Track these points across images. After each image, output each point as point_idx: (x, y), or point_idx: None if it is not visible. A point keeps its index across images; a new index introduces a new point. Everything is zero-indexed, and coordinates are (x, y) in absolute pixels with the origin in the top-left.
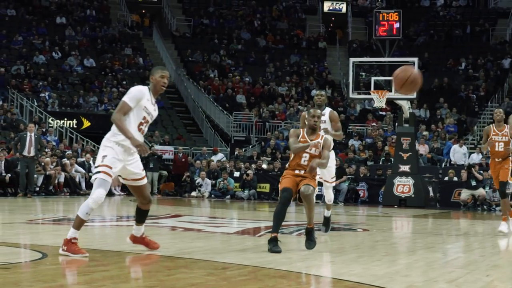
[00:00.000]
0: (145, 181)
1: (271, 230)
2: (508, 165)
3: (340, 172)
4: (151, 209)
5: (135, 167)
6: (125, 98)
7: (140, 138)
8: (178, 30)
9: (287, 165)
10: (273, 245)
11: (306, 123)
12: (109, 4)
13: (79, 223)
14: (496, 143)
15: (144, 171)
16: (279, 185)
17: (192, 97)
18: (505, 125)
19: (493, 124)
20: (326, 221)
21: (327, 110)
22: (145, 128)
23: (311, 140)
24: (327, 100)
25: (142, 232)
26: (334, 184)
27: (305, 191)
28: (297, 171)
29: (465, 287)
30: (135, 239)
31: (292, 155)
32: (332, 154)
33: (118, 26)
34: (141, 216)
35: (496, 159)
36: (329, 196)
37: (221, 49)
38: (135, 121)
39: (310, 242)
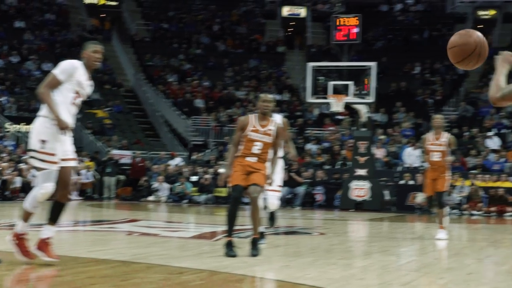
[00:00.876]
0: (73, 163)
1: (226, 234)
2: (446, 174)
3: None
4: (109, 214)
5: (67, 144)
6: (55, 71)
7: (72, 114)
8: (138, 34)
9: (239, 152)
10: (229, 250)
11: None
12: (68, 9)
13: (27, 216)
14: (432, 153)
15: (75, 153)
16: (229, 181)
17: (151, 102)
18: (444, 133)
19: (431, 132)
20: (271, 216)
21: (277, 117)
22: (78, 103)
23: (263, 127)
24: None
25: (48, 236)
26: (279, 194)
27: (251, 192)
28: (247, 158)
29: None
30: (40, 244)
31: (244, 143)
32: (280, 162)
33: (77, 30)
34: (56, 212)
35: (433, 167)
36: (273, 206)
37: (180, 53)
38: (68, 96)
39: (253, 252)
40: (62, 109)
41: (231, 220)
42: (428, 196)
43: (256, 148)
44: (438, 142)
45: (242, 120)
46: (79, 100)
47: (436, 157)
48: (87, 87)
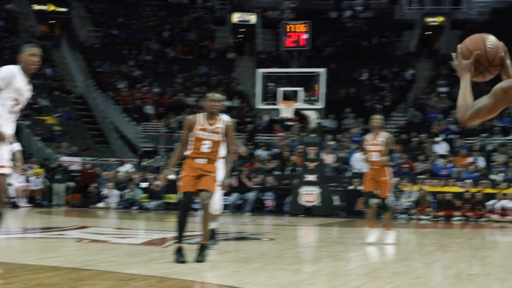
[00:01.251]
0: (7, 170)
1: (176, 240)
2: (387, 177)
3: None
4: (58, 221)
5: (3, 151)
6: None
7: (11, 121)
8: (87, 40)
9: (189, 153)
10: (179, 256)
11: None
12: (17, 15)
13: None
14: (371, 153)
15: (11, 161)
16: (178, 186)
17: (101, 108)
18: (382, 133)
19: (370, 132)
20: (211, 233)
21: (224, 118)
22: (17, 110)
23: (210, 126)
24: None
25: None
26: (221, 191)
27: (203, 199)
28: (197, 160)
29: None
30: None
31: (192, 143)
32: (220, 162)
33: (26, 37)
34: None
35: (373, 167)
36: (215, 204)
37: (130, 60)
38: (7, 104)
39: (199, 258)
40: (4, 114)
41: (181, 226)
42: (367, 192)
43: (205, 147)
44: (376, 141)
45: (190, 119)
46: (18, 108)
47: (374, 156)
48: (26, 92)
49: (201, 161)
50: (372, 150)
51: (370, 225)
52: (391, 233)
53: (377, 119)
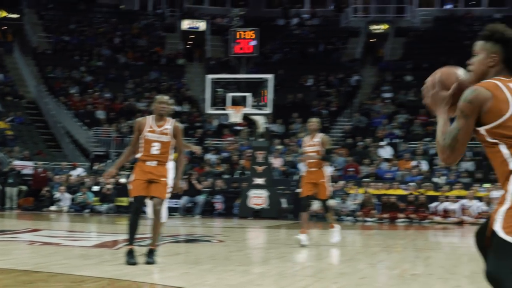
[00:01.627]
0: None
1: (128, 242)
2: (325, 179)
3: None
4: (11, 224)
5: None
6: None
7: None
8: (39, 47)
9: (138, 156)
10: (130, 257)
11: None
12: None
13: None
14: (308, 154)
15: None
16: (129, 190)
17: (53, 113)
18: (318, 134)
19: (308, 135)
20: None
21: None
22: None
23: (159, 127)
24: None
25: None
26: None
27: (154, 204)
28: (148, 163)
29: None
30: None
31: (142, 146)
32: (171, 164)
33: None
34: None
35: (311, 169)
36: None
37: (82, 65)
38: None
39: (149, 260)
40: None
41: (132, 229)
42: (304, 197)
43: (155, 149)
44: (312, 142)
45: (139, 121)
46: None
47: (312, 157)
48: None
49: (151, 163)
50: (309, 151)
51: (301, 231)
52: (336, 230)
53: (313, 121)
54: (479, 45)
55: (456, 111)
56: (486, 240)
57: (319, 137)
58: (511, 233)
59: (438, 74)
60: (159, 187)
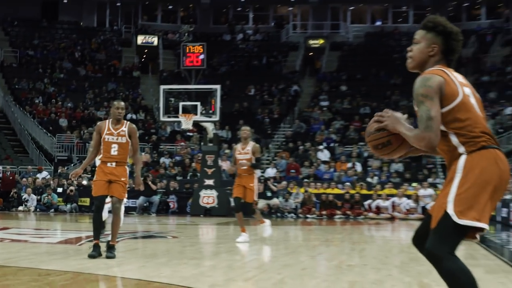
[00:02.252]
0: None
1: (93, 238)
2: (253, 184)
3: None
4: None
5: None
6: None
7: None
8: (6, 60)
9: (99, 158)
10: (92, 251)
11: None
12: None
13: None
14: (240, 161)
15: None
16: (92, 190)
17: (19, 121)
18: (250, 142)
19: (240, 143)
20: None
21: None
22: None
23: (116, 130)
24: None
25: None
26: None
27: (113, 203)
28: (108, 164)
29: (260, 284)
30: None
31: (102, 148)
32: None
33: None
34: None
35: (242, 174)
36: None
37: (45, 77)
38: None
39: (109, 254)
40: None
41: (96, 225)
42: (235, 198)
43: (113, 150)
44: (244, 151)
45: (99, 124)
46: None
47: (241, 164)
48: None
49: (111, 164)
50: (241, 159)
51: (241, 229)
52: (266, 224)
53: (245, 130)
54: (420, 34)
55: (417, 101)
56: (432, 221)
57: (251, 145)
58: (463, 217)
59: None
60: (118, 187)
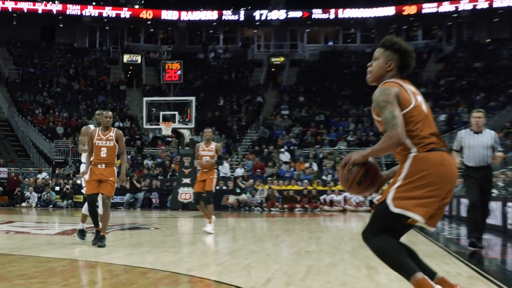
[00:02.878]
0: None
1: (94, 226)
2: (213, 176)
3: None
4: None
5: None
6: None
7: None
8: (10, 76)
9: (91, 160)
10: (95, 238)
11: (100, 122)
12: None
13: None
14: (204, 157)
15: None
16: (85, 189)
17: (22, 129)
18: (213, 142)
19: (203, 142)
20: (82, 232)
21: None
22: None
23: (105, 136)
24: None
25: None
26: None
27: (103, 199)
28: (99, 166)
29: (230, 269)
30: None
31: (93, 151)
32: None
33: None
34: None
35: (203, 170)
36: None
37: (44, 91)
38: None
39: (100, 244)
40: None
41: (93, 215)
42: (196, 192)
43: (103, 152)
44: (208, 149)
45: (91, 132)
46: None
47: (205, 160)
48: None
49: (101, 166)
50: (204, 155)
51: (206, 217)
52: (211, 226)
53: (208, 131)
54: (379, 51)
55: (379, 108)
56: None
57: (213, 144)
58: (397, 206)
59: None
60: (107, 186)
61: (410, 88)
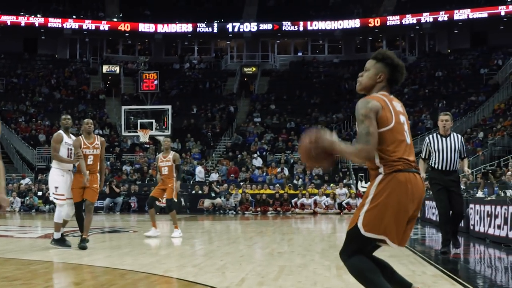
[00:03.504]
0: None
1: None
2: (172, 184)
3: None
4: None
5: None
6: None
7: None
8: None
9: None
10: (80, 242)
11: (66, 126)
12: None
13: None
14: (162, 168)
15: None
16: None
17: (6, 137)
18: (171, 152)
19: (162, 152)
20: (61, 240)
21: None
22: None
23: (91, 144)
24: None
25: None
26: (62, 202)
27: (86, 205)
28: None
29: (206, 269)
30: None
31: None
32: (56, 173)
33: None
34: None
35: (165, 179)
36: (56, 213)
37: (27, 100)
38: None
39: (82, 245)
40: None
41: (79, 221)
42: (151, 196)
43: (89, 160)
44: (165, 159)
45: (77, 140)
46: None
47: (164, 171)
48: None
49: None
50: (163, 166)
51: (152, 224)
52: (178, 231)
53: (166, 140)
54: (370, 63)
55: (358, 120)
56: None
57: (171, 154)
58: (368, 230)
59: (310, 135)
60: (91, 192)
61: (395, 106)
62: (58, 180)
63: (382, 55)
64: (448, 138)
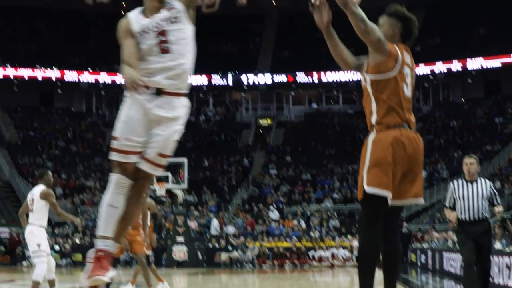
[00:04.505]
0: None
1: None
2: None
3: None
4: None
5: None
6: None
7: None
8: (11, 140)
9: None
10: None
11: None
12: None
13: None
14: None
15: None
16: None
17: (23, 191)
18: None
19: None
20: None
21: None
22: None
23: None
24: None
25: None
26: (45, 259)
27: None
28: None
29: None
30: None
31: None
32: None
33: None
34: None
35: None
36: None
37: (44, 153)
38: None
39: None
40: None
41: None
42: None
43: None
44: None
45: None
46: None
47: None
48: None
49: None
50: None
51: (158, 280)
52: (165, 285)
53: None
54: (383, 19)
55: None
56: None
57: (147, 203)
58: (370, 185)
59: None
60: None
61: (405, 58)
62: (40, 236)
63: (394, 10)
64: (474, 184)
